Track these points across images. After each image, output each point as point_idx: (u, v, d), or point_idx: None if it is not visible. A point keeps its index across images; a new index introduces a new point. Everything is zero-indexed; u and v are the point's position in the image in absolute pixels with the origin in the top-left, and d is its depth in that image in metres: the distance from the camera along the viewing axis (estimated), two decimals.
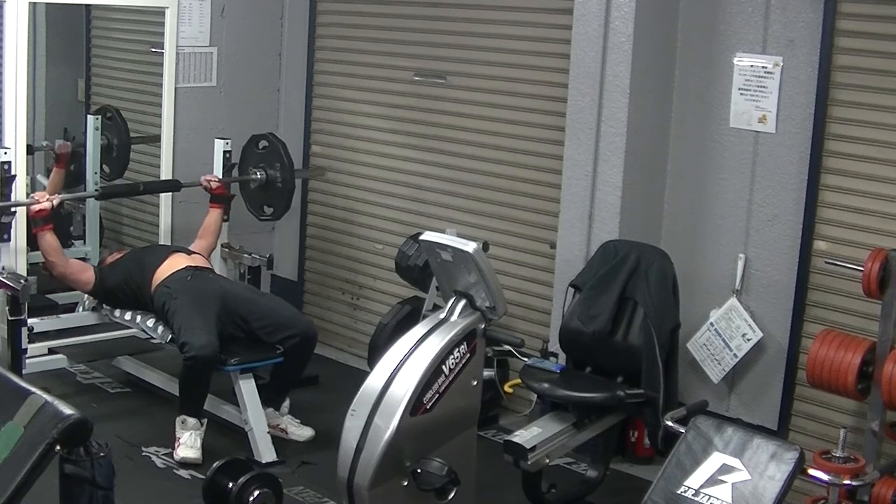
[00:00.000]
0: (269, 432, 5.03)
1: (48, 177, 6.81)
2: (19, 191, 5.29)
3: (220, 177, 5.81)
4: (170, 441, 4.95)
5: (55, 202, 5.26)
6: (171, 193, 6.09)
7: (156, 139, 6.29)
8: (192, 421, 4.88)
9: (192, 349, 4.77)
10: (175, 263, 5.27)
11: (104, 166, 6.57)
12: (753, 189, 4.86)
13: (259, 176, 5.83)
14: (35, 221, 5.22)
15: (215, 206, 5.74)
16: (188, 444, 4.83)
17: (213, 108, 6.41)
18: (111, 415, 5.33)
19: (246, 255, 5.84)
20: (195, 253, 5.48)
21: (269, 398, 5.15)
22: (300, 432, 5.17)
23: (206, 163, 5.91)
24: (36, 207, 5.19)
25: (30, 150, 6.38)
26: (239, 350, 4.98)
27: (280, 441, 5.04)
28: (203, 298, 5.04)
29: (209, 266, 5.46)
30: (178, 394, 5.31)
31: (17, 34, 5.34)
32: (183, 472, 4.79)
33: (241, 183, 5.90)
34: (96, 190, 6.05)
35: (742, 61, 4.84)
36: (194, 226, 5.83)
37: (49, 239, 5.23)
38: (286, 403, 5.21)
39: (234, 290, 5.24)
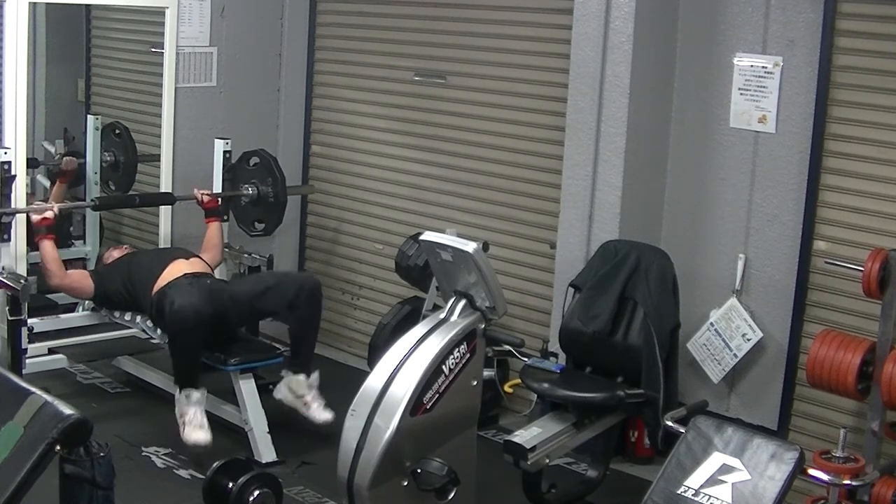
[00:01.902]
0: (290, 402, 4.96)
1: (49, 177, 6.81)
2: (19, 192, 5.30)
3: (222, 176, 5.81)
4: (170, 441, 4.95)
5: (56, 211, 5.27)
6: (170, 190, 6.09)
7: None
8: (196, 394, 4.77)
9: (175, 304, 4.73)
10: (174, 271, 5.21)
11: (109, 182, 6.56)
12: (753, 189, 4.86)
13: (251, 192, 5.84)
14: (38, 230, 5.22)
15: (212, 220, 5.71)
16: (195, 423, 4.73)
17: (213, 108, 6.40)
18: (111, 415, 5.33)
19: (246, 255, 5.85)
20: (194, 256, 5.45)
21: (297, 364, 5.05)
22: (320, 414, 4.98)
23: (206, 163, 5.90)
24: (39, 217, 5.19)
25: (34, 163, 6.42)
26: (239, 350, 4.98)
27: (280, 441, 5.02)
28: (201, 287, 5.02)
29: (208, 271, 5.42)
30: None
31: (17, 34, 5.33)
32: (183, 472, 4.79)
33: (232, 199, 5.89)
34: (93, 201, 6.06)
35: (742, 61, 4.84)
36: (194, 225, 5.84)
37: (49, 248, 5.22)
38: (316, 375, 5.05)
39: (233, 287, 5.23)
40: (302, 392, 5.04)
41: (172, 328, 4.80)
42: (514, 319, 5.44)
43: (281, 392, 5.03)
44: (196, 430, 4.75)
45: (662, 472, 3.49)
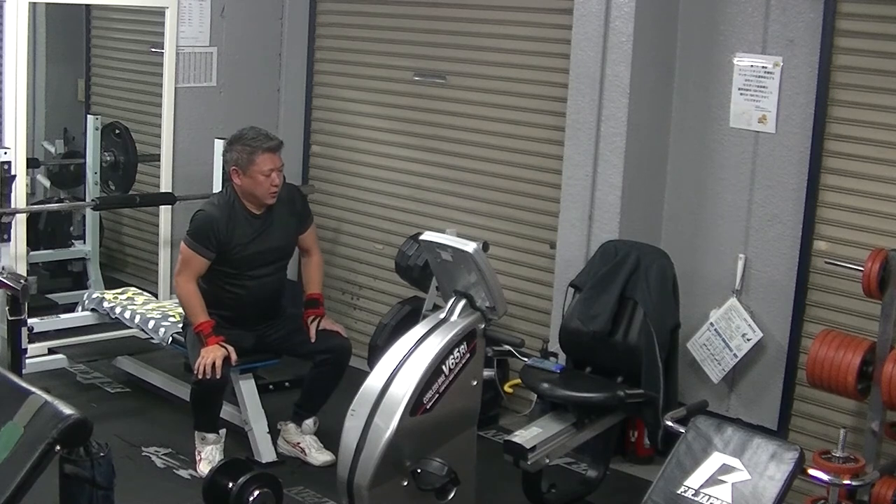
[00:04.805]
0: (288, 451, 4.96)
1: (48, 177, 6.82)
2: (19, 192, 5.30)
3: (222, 176, 5.79)
4: (170, 441, 4.95)
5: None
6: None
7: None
8: (211, 436, 4.79)
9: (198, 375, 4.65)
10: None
11: (109, 182, 6.56)
12: (753, 189, 4.86)
13: None
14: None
15: None
16: (209, 459, 4.73)
17: (213, 108, 6.40)
18: (111, 415, 5.32)
19: None
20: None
21: (297, 413, 4.99)
22: (319, 456, 4.93)
23: (206, 163, 5.91)
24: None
25: (34, 163, 6.43)
26: (239, 350, 4.97)
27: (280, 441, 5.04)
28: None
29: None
30: (177, 394, 5.32)
31: (17, 34, 5.34)
32: (183, 472, 4.79)
33: None
34: (93, 201, 6.06)
35: (742, 61, 4.84)
36: None
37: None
38: (309, 422, 4.97)
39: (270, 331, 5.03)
40: (295, 440, 4.99)
41: (196, 395, 4.75)
42: (514, 319, 5.44)
43: (279, 444, 5.00)
44: (209, 466, 4.59)
45: (662, 472, 3.49)
